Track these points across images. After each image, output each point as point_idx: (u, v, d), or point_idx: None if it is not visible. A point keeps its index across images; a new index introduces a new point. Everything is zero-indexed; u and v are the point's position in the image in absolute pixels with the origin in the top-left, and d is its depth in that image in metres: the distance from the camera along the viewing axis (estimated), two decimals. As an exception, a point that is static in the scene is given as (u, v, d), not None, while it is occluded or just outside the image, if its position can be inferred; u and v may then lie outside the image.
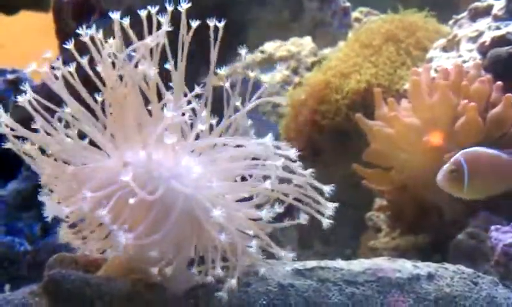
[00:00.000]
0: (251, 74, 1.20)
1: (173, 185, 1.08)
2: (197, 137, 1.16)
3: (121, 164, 1.08)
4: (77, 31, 1.13)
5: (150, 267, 1.09)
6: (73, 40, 1.14)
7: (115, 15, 1.12)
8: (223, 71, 1.16)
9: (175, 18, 1.11)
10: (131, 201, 1.02)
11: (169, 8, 1.12)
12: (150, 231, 1.06)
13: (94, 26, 1.13)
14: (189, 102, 1.16)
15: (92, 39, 1.13)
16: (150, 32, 1.12)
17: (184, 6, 1.11)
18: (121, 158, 1.10)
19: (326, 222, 1.15)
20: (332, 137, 2.24)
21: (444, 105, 1.69)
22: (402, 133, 1.74)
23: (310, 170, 1.15)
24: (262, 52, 2.99)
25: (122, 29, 1.13)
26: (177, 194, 1.08)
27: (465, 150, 1.53)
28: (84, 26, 1.13)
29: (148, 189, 1.06)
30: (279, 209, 1.13)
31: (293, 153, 1.14)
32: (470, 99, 1.67)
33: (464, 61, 1.91)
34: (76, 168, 1.11)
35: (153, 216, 1.06)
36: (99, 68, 1.13)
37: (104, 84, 1.13)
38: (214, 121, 1.21)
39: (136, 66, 1.11)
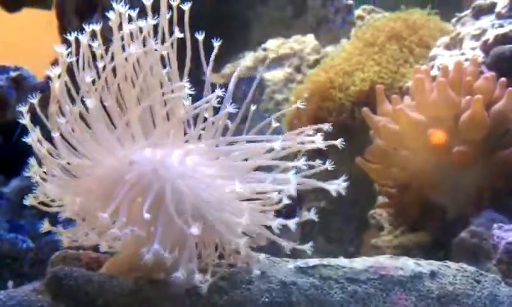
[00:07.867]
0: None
1: (178, 185, 1.08)
2: (200, 136, 1.16)
3: (127, 162, 1.08)
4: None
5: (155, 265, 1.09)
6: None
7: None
8: (226, 69, 1.15)
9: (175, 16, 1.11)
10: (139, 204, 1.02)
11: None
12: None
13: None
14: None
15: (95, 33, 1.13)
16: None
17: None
18: (128, 156, 1.10)
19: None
20: (336, 134, 2.23)
21: (445, 102, 1.68)
22: (407, 129, 1.73)
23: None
24: (265, 49, 2.98)
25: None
26: (183, 193, 1.08)
27: None
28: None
29: (154, 189, 1.06)
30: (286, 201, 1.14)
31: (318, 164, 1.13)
32: (473, 95, 1.66)
33: (467, 59, 1.90)
34: (80, 161, 1.11)
35: (160, 216, 1.06)
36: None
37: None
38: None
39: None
